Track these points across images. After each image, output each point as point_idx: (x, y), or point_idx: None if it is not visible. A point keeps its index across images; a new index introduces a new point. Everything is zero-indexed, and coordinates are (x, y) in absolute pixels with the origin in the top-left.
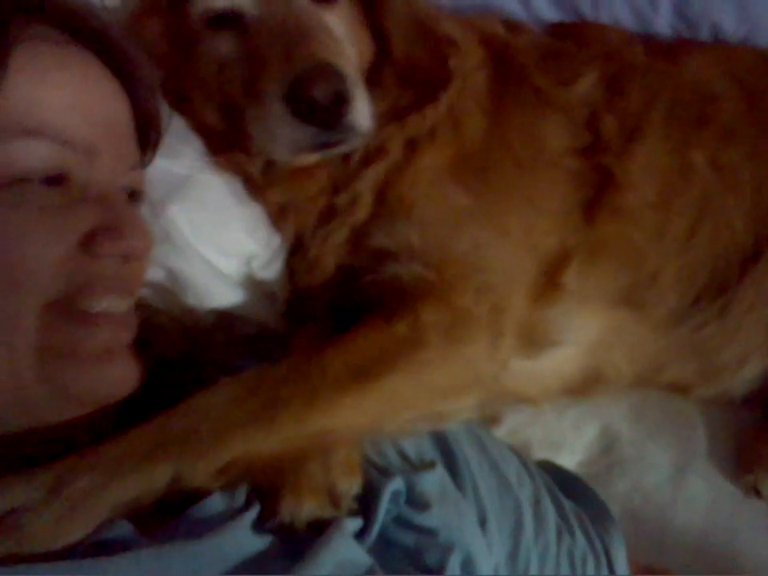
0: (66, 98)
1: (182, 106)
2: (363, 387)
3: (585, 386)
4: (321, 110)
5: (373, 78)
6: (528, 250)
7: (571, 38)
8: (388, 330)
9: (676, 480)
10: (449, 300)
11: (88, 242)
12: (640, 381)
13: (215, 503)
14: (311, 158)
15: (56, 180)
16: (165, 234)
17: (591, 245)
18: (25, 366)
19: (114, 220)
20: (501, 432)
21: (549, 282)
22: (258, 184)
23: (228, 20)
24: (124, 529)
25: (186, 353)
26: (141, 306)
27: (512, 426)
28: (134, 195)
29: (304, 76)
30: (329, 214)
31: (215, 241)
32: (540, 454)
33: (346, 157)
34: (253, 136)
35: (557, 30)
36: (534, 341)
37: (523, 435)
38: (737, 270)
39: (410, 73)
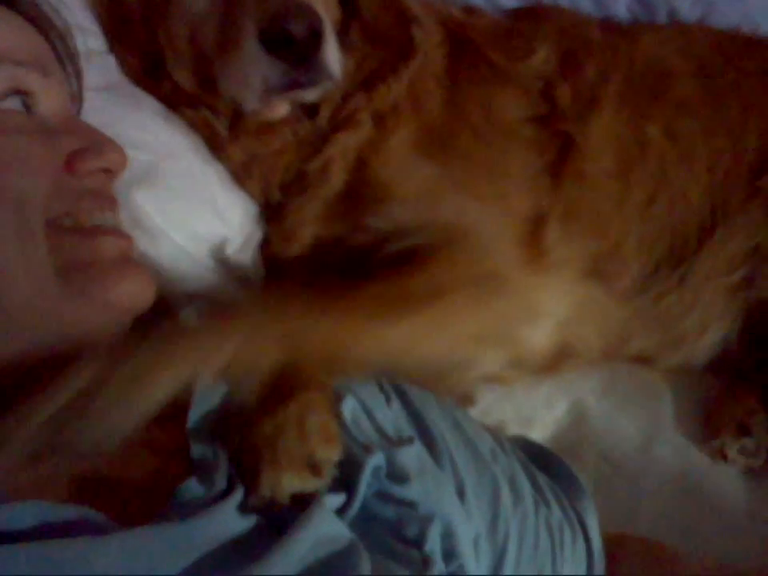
0: (7, 32)
1: (154, 74)
2: (390, 320)
3: (556, 362)
4: (295, 44)
5: (340, 38)
6: (506, 213)
7: (527, 19)
8: (412, 276)
9: (645, 449)
10: (463, 260)
11: (72, 162)
12: (608, 354)
13: (194, 488)
14: (280, 109)
15: (25, 104)
16: (133, 221)
17: (563, 208)
18: (47, 288)
19: (90, 141)
20: (474, 412)
21: (534, 246)
22: (222, 140)
23: None
24: (97, 517)
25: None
26: None
27: (485, 406)
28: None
29: (281, 11)
30: (301, 182)
31: (185, 226)
32: (513, 430)
33: (311, 116)
34: (222, 89)
35: (515, 13)
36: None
37: (496, 414)
38: (694, 240)
39: (377, 34)
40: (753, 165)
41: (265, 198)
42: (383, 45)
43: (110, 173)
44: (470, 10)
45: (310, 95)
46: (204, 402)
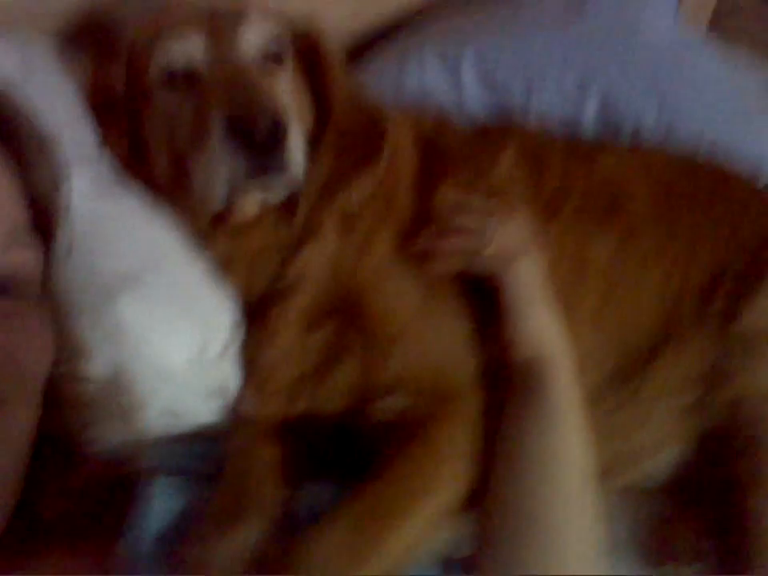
0: None
1: (137, 158)
2: (420, 505)
3: None
4: (258, 143)
5: (310, 145)
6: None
7: (493, 136)
8: (429, 450)
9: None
10: (460, 412)
11: None
12: None
13: None
14: (249, 209)
15: None
16: (113, 329)
17: None
18: None
19: None
20: None
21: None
22: (205, 237)
23: (182, 77)
24: None
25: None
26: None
27: None
28: None
29: (245, 109)
30: (276, 295)
31: (164, 336)
32: None
33: (287, 219)
34: (194, 184)
35: (482, 130)
36: None
37: None
38: (645, 356)
39: (348, 140)
40: (703, 288)
41: (246, 296)
42: (353, 151)
43: None
44: (441, 120)
45: (274, 194)
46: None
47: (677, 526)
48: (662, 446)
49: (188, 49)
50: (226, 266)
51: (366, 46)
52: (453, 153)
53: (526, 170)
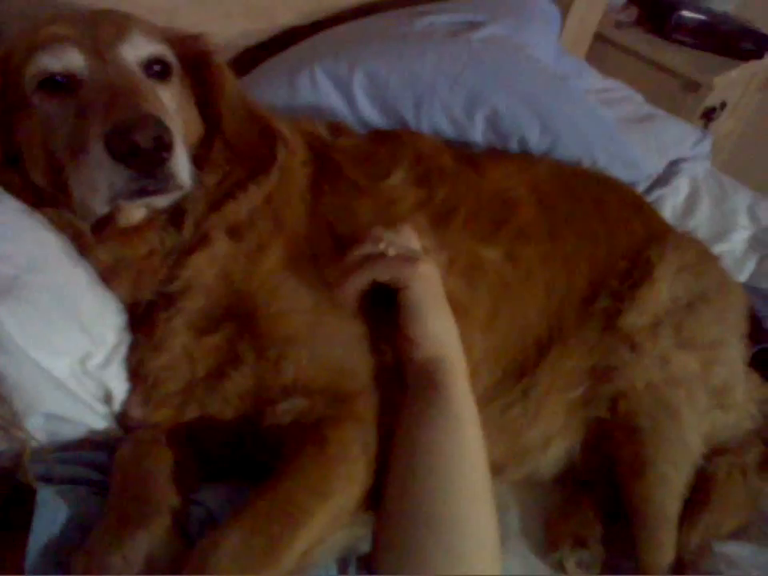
0: None
1: (9, 167)
2: (322, 507)
3: None
4: (141, 152)
5: (201, 156)
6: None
7: (387, 143)
8: (324, 454)
9: None
10: (355, 413)
11: None
12: None
13: None
14: (134, 214)
15: None
16: None
17: None
18: None
19: None
20: None
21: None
22: (88, 242)
23: (60, 83)
24: None
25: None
26: None
27: None
28: None
29: (126, 121)
30: (169, 294)
31: (46, 341)
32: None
33: (175, 225)
34: (73, 193)
35: (376, 136)
36: None
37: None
38: (534, 355)
39: (239, 150)
40: (585, 290)
41: (132, 302)
42: (244, 160)
43: None
44: (336, 128)
45: (159, 202)
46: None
47: (564, 515)
48: (552, 441)
49: (67, 56)
50: (110, 272)
51: (256, 63)
52: (346, 159)
53: (417, 179)
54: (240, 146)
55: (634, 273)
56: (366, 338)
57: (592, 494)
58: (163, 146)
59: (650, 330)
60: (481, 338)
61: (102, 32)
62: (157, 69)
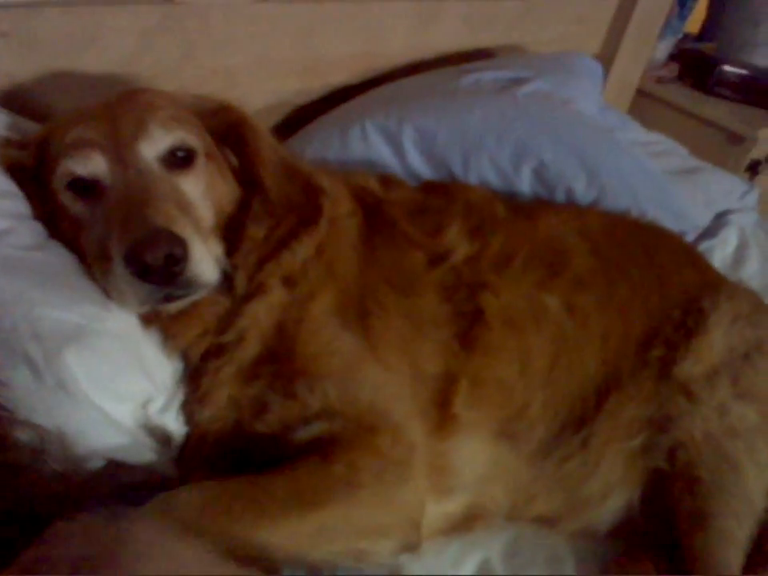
0: None
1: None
2: (301, 514)
3: (466, 523)
4: (153, 271)
5: (241, 217)
6: (415, 377)
7: (438, 195)
8: (326, 468)
9: None
10: (374, 446)
11: None
12: (513, 515)
13: None
14: (178, 305)
15: None
16: (59, 383)
17: (472, 374)
18: None
19: None
20: (383, 569)
21: (443, 411)
22: (146, 323)
23: (87, 186)
24: None
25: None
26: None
27: (394, 565)
28: None
29: (138, 241)
30: (218, 350)
31: (111, 388)
32: None
33: (229, 294)
34: (109, 292)
35: (427, 188)
36: (441, 482)
37: (406, 572)
38: (593, 405)
39: (285, 205)
40: (640, 337)
41: (189, 355)
42: (291, 214)
43: None
44: (388, 181)
45: (185, 301)
46: None
47: (623, 568)
48: (610, 492)
49: (92, 162)
50: (166, 335)
51: (310, 120)
52: (400, 213)
53: (471, 231)
54: (284, 201)
55: (687, 321)
56: (407, 386)
57: (650, 546)
58: (174, 261)
59: (706, 379)
60: (540, 391)
61: (122, 129)
62: (181, 155)
